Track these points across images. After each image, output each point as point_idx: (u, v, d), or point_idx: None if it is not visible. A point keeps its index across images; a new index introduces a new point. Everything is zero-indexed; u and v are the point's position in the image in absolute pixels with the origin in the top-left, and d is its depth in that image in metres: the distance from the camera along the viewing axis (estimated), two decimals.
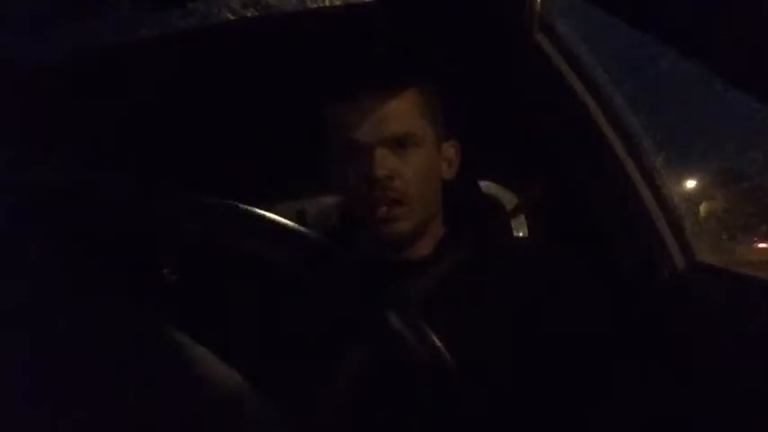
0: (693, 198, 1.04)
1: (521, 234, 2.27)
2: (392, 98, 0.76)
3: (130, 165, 1.28)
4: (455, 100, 0.83)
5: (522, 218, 2.19)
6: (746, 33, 0.53)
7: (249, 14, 0.83)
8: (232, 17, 0.83)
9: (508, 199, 2.09)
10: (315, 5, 0.81)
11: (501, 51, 1.03)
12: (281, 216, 0.41)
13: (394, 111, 0.75)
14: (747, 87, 0.58)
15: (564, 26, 1.04)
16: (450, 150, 0.84)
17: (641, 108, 1.06)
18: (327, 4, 0.82)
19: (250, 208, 0.40)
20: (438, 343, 0.36)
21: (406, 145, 0.75)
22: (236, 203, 0.40)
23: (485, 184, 2.08)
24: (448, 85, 0.82)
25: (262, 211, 0.40)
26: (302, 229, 0.39)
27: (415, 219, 0.76)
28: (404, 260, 0.79)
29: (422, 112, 0.78)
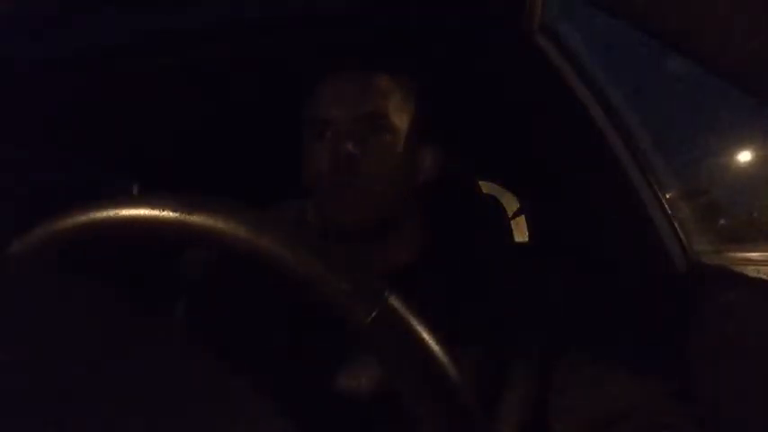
0: (693, 198, 1.04)
1: (521, 235, 2.27)
2: (366, 79, 0.74)
3: (131, 165, 1.29)
4: (447, 106, 0.83)
5: (522, 219, 2.18)
6: (746, 33, 0.53)
7: (250, 15, 0.83)
8: (232, 17, 0.83)
9: (508, 201, 2.08)
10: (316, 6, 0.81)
11: (501, 52, 1.03)
12: (282, 216, 0.41)
13: (366, 91, 0.73)
14: (747, 87, 0.58)
15: (564, 26, 1.04)
16: (428, 156, 0.80)
17: (641, 108, 1.06)
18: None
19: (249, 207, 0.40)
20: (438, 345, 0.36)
21: (377, 128, 0.72)
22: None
23: (485, 186, 2.08)
24: (441, 89, 0.81)
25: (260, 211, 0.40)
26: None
27: (375, 208, 0.72)
28: (384, 265, 0.74)
29: (399, 102, 0.75)
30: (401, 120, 0.75)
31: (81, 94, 0.97)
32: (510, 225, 1.97)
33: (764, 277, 0.76)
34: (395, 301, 0.34)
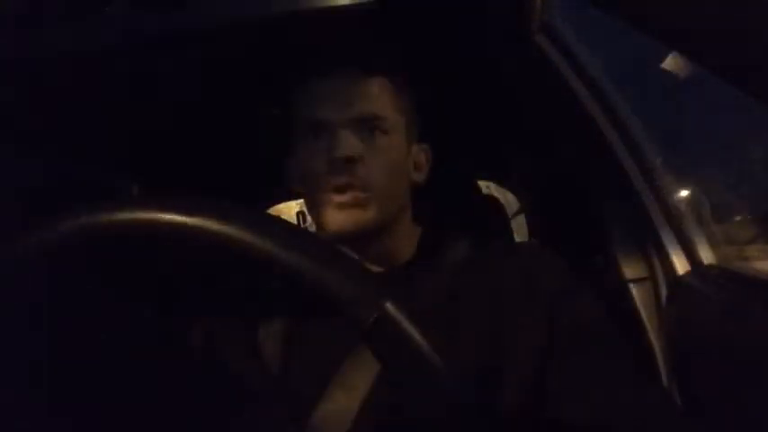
0: (693, 198, 1.04)
1: (521, 234, 2.27)
2: (362, 79, 0.72)
3: (131, 164, 1.29)
4: (446, 105, 0.82)
5: (522, 218, 2.18)
6: (746, 33, 0.53)
7: (248, 15, 0.83)
8: (232, 17, 0.83)
9: (509, 200, 2.08)
10: (318, 5, 0.81)
11: (501, 51, 1.03)
12: (282, 218, 0.41)
13: (362, 91, 0.71)
14: (747, 87, 0.58)
15: (564, 26, 1.04)
16: (421, 154, 0.80)
17: (641, 108, 1.06)
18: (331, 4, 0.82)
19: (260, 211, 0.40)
20: (438, 346, 0.36)
21: (373, 129, 0.71)
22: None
23: (485, 186, 2.08)
24: (441, 88, 0.81)
25: (269, 214, 0.40)
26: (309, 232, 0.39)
27: (375, 211, 0.70)
28: (380, 264, 0.75)
29: (394, 100, 0.74)
30: (396, 119, 0.74)
31: (80, 94, 0.97)
32: (510, 225, 1.97)
33: (764, 277, 0.76)
34: (395, 305, 0.34)
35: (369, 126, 0.71)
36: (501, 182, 2.10)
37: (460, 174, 1.21)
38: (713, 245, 0.93)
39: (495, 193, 2.04)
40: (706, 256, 0.92)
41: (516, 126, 1.37)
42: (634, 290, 0.98)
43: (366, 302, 0.34)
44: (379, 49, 0.76)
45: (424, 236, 0.80)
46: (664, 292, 0.94)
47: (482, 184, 1.92)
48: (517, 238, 2.09)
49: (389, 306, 0.34)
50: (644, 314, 0.94)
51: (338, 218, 0.70)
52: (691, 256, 0.93)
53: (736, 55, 0.56)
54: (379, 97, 0.72)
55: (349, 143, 0.69)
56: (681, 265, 0.92)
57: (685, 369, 0.84)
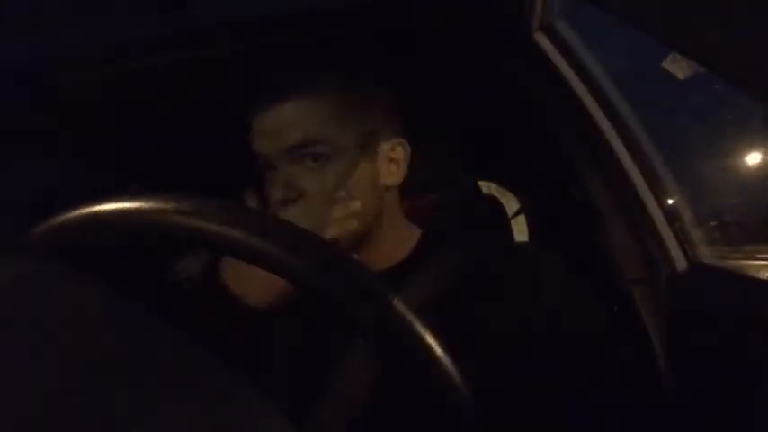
0: (693, 198, 1.04)
1: (521, 234, 2.27)
2: (294, 105, 0.68)
3: (131, 164, 1.29)
4: (439, 101, 0.81)
5: (522, 218, 2.18)
6: (746, 33, 0.53)
7: (247, 14, 0.83)
8: (231, 18, 0.83)
9: (508, 200, 2.08)
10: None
11: (501, 51, 1.03)
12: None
13: (294, 118, 0.68)
14: (747, 87, 0.58)
15: (564, 26, 1.04)
16: (396, 150, 0.75)
17: (642, 108, 1.06)
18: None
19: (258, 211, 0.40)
20: (438, 345, 0.36)
21: (314, 155, 0.68)
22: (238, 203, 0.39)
23: (485, 186, 2.08)
24: (440, 88, 0.80)
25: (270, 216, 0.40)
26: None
27: (335, 231, 0.67)
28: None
29: (339, 118, 0.69)
30: (344, 138, 0.70)
31: (81, 94, 0.97)
32: (509, 224, 1.97)
33: (764, 277, 0.76)
34: (399, 304, 0.34)
35: (308, 152, 0.68)
36: (501, 182, 2.10)
37: (461, 174, 1.21)
38: (712, 244, 0.94)
39: (495, 194, 2.04)
40: (705, 255, 0.92)
41: (516, 126, 1.37)
42: (634, 289, 0.98)
43: (368, 301, 0.34)
44: (325, 63, 0.73)
45: (420, 237, 0.80)
46: (663, 290, 0.94)
47: (482, 184, 1.92)
48: (517, 238, 2.09)
49: (396, 304, 0.34)
50: (644, 313, 0.94)
51: None
52: (690, 255, 0.93)
53: (736, 55, 0.56)
54: (315, 121, 0.68)
55: (281, 185, 0.67)
56: (681, 264, 0.92)
57: (685, 367, 0.84)
